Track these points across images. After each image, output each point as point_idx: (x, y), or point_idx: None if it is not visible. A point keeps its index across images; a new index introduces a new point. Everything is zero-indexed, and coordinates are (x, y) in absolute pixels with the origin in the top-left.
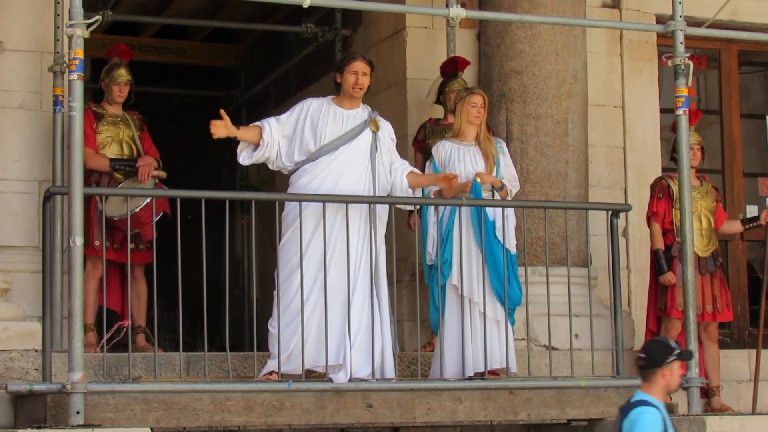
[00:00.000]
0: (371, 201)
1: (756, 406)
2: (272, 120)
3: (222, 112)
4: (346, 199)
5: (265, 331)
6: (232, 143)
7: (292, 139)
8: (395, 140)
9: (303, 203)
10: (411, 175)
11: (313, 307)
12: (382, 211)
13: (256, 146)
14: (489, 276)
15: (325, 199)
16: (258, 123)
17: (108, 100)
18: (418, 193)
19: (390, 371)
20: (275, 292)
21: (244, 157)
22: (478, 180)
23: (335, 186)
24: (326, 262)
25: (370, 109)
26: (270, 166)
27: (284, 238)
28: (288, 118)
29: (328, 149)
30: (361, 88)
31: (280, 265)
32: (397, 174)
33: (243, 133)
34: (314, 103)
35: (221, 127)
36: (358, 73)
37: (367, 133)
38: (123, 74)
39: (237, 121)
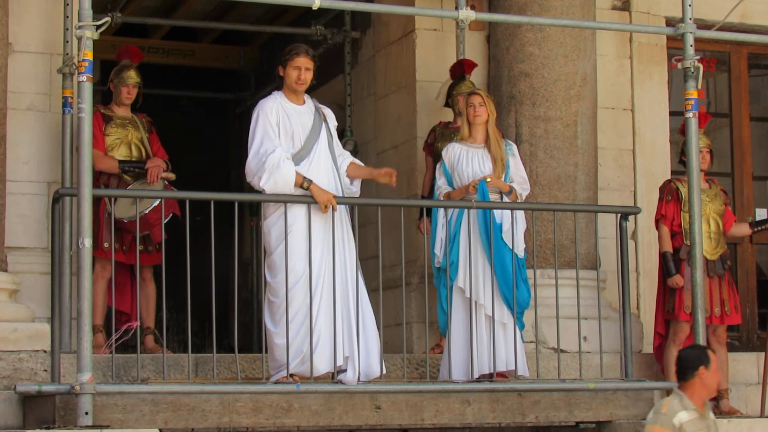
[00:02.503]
0: (380, 204)
1: (764, 409)
2: (282, 149)
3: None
4: (352, 201)
5: None
6: (240, 145)
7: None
8: (336, 125)
9: (294, 207)
10: (352, 165)
11: (318, 310)
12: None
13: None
14: (496, 279)
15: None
16: (287, 160)
17: (116, 101)
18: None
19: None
20: (275, 299)
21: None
22: (488, 180)
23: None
24: (335, 264)
25: (311, 98)
26: None
27: (282, 245)
28: (273, 128)
29: (305, 152)
30: (303, 83)
31: (287, 271)
32: (338, 163)
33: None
34: (273, 104)
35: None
36: (301, 69)
37: (324, 126)
38: (132, 76)
39: (245, 123)
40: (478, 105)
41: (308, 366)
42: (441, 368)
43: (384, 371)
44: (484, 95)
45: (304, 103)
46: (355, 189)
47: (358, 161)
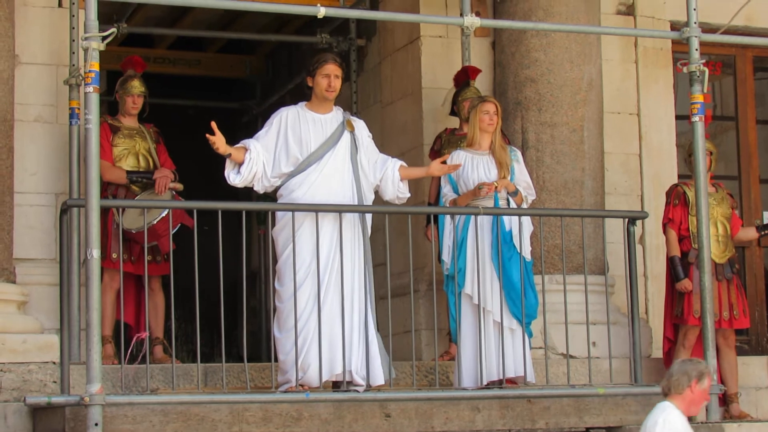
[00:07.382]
0: (387, 211)
1: None
2: (254, 140)
3: (214, 126)
4: (362, 209)
5: None
6: None
7: (275, 152)
8: (371, 136)
9: (299, 213)
10: (402, 169)
11: (322, 318)
12: (369, 218)
13: (241, 165)
14: (505, 285)
15: (341, 209)
16: (242, 143)
17: (122, 112)
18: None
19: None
20: (280, 305)
21: (234, 176)
22: (497, 185)
23: (328, 195)
24: (343, 272)
25: (342, 110)
26: (256, 186)
27: (287, 251)
28: (267, 132)
29: (315, 158)
30: (333, 91)
31: (295, 279)
32: (388, 168)
33: (234, 153)
34: (290, 112)
35: (221, 141)
36: (330, 76)
37: (346, 136)
38: (137, 86)
39: (252, 132)
40: (493, 113)
41: (311, 374)
42: (455, 376)
43: (385, 379)
44: (496, 103)
45: (329, 112)
46: (409, 194)
47: (405, 165)
